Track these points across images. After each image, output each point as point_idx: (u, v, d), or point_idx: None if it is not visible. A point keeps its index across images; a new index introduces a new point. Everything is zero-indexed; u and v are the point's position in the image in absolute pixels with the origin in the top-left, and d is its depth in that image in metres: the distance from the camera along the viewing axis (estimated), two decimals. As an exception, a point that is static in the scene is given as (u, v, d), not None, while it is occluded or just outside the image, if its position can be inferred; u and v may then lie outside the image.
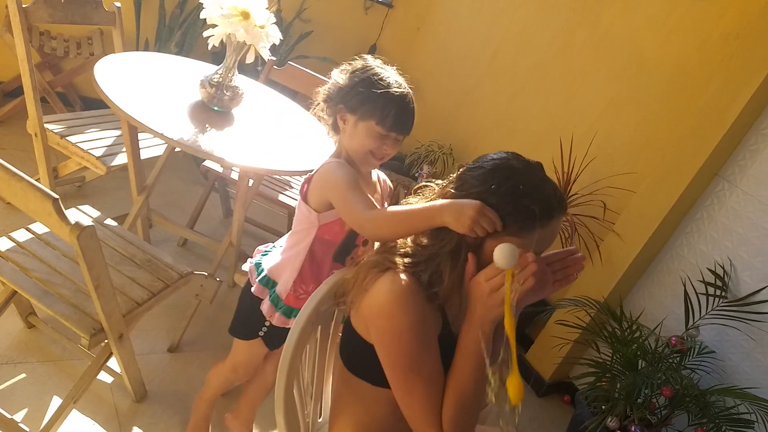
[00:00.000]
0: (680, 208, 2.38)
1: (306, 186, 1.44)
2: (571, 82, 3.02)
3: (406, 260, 1.11)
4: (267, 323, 1.53)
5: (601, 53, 2.88)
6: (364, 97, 1.37)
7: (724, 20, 2.38)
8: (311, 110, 1.53)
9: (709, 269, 2.28)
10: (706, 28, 2.44)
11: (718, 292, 2.21)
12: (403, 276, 1.08)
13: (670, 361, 2.17)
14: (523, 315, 2.87)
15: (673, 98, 2.54)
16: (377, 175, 1.59)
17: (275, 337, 1.56)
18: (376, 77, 1.38)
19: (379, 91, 1.35)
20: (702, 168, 2.28)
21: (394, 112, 1.35)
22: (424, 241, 1.13)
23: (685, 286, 2.28)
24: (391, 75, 1.40)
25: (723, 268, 2.26)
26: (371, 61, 1.44)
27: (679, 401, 2.05)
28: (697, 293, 2.25)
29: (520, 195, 1.05)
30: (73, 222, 1.19)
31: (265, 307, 1.51)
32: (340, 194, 1.32)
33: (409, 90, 1.42)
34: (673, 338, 2.20)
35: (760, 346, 2.16)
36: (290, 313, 1.50)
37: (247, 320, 1.58)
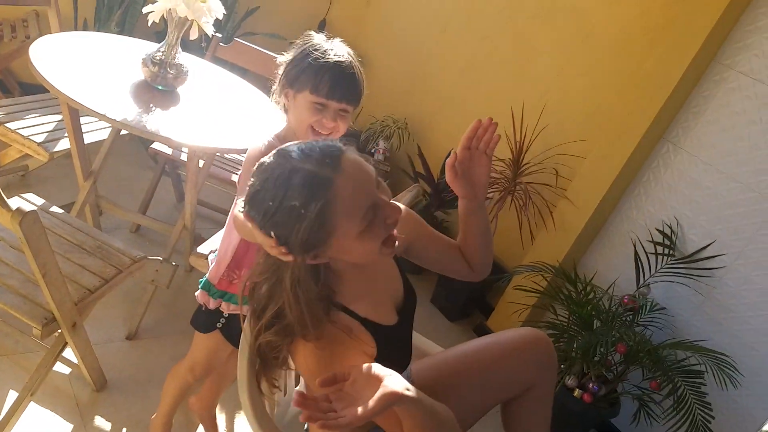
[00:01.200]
0: (628, 171, 2.45)
1: None
2: (521, 53, 3.04)
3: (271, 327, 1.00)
4: (225, 315, 1.50)
5: (549, 23, 2.91)
6: (300, 69, 1.34)
7: (665, -15, 2.43)
8: (271, 97, 1.49)
9: (657, 229, 2.36)
10: (649, -7, 2.49)
11: (666, 251, 2.29)
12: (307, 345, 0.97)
13: (624, 319, 2.25)
14: (483, 282, 2.92)
15: (619, 65, 2.59)
16: None
17: (234, 330, 1.50)
18: (312, 48, 1.35)
19: (312, 60, 1.32)
20: (648, 131, 2.34)
21: (327, 77, 1.31)
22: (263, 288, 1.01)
23: (635, 246, 2.36)
24: (330, 45, 1.36)
25: (670, 227, 2.34)
26: (315, 36, 1.40)
27: (633, 357, 2.13)
28: (646, 253, 2.33)
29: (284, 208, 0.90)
30: (14, 208, 1.15)
31: (199, 294, 1.49)
32: (239, 177, 1.33)
33: (351, 58, 1.37)
34: (626, 297, 2.28)
35: (708, 300, 2.25)
36: (230, 298, 1.48)
37: (206, 313, 1.53)
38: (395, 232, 1.00)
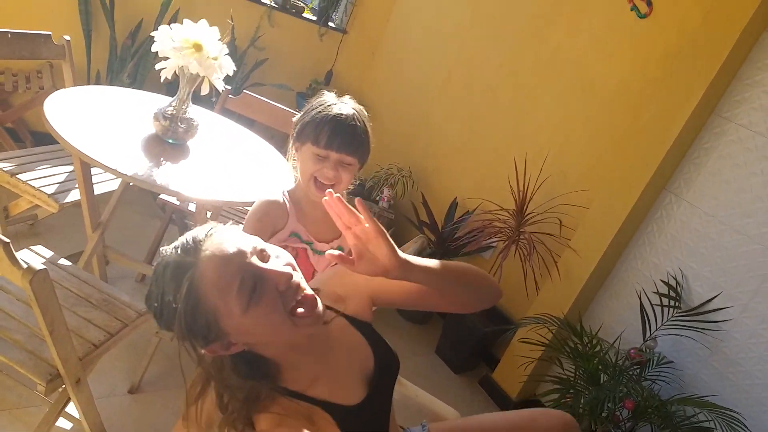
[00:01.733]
0: (632, 221, 2.46)
1: None
2: (522, 103, 3.10)
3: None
4: None
5: (549, 74, 2.97)
6: (305, 123, 1.43)
7: (663, 39, 2.49)
8: (287, 158, 1.55)
9: (662, 280, 2.35)
10: (647, 47, 2.55)
11: (671, 303, 2.29)
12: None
13: (631, 373, 2.23)
14: (488, 335, 2.90)
15: (619, 116, 2.63)
16: None
17: None
18: (318, 104, 1.43)
19: (315, 114, 1.41)
20: (650, 182, 2.36)
21: (327, 129, 1.38)
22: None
23: (640, 298, 2.35)
24: (335, 101, 1.44)
25: (675, 279, 2.33)
26: (326, 94, 1.48)
27: (641, 413, 2.10)
28: (652, 305, 2.32)
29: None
30: (25, 266, 1.16)
31: None
32: (243, 227, 1.38)
33: (355, 113, 1.43)
34: (632, 350, 2.26)
35: (715, 354, 2.23)
36: None
37: None
38: (307, 306, 0.91)
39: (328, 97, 1.46)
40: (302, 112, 1.47)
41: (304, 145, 1.43)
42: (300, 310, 0.90)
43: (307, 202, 1.51)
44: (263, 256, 0.91)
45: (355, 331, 1.12)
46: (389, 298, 1.17)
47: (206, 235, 0.89)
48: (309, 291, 0.93)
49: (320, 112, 1.41)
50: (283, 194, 1.53)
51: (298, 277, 0.93)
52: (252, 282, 0.86)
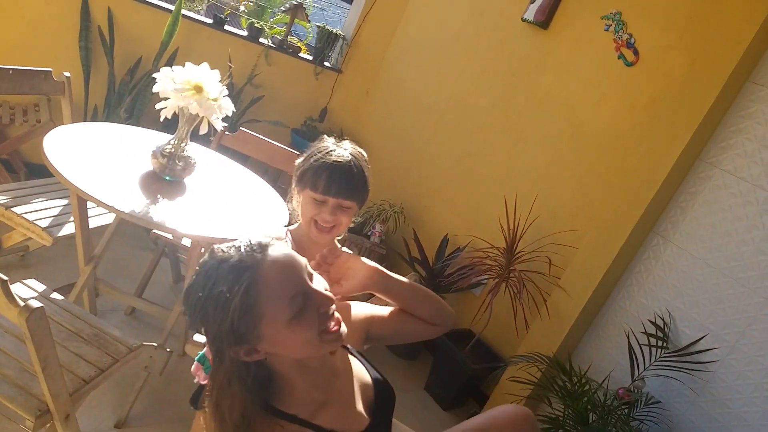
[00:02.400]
0: (620, 262, 2.50)
1: None
2: (512, 144, 3.16)
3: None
4: None
5: (539, 117, 3.05)
6: (304, 169, 1.48)
7: (650, 86, 2.57)
8: (288, 200, 1.59)
9: (650, 321, 2.38)
10: (635, 92, 2.63)
11: (659, 343, 2.31)
12: None
13: (619, 413, 2.23)
14: (478, 372, 2.90)
15: (608, 159, 2.70)
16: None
17: None
18: (317, 150, 1.48)
19: (314, 160, 1.45)
20: (638, 224, 2.41)
21: (325, 176, 1.43)
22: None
23: (628, 337, 2.37)
24: (334, 147, 1.49)
25: (663, 319, 2.36)
26: (326, 140, 1.52)
27: (629, 453, 2.10)
28: (640, 344, 2.34)
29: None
30: (21, 304, 1.18)
31: (194, 367, 1.51)
32: None
33: (353, 158, 1.48)
34: (621, 390, 2.27)
35: (703, 394, 2.25)
36: None
37: (201, 388, 1.55)
38: (336, 323, 0.98)
39: (328, 143, 1.51)
40: (303, 158, 1.52)
41: (303, 190, 1.48)
42: (331, 324, 0.96)
43: (309, 242, 1.54)
44: (311, 277, 0.97)
45: (356, 361, 1.19)
46: (380, 331, 1.30)
47: (270, 243, 0.94)
48: (338, 315, 1.00)
49: (318, 159, 1.45)
50: (286, 232, 1.57)
51: (333, 306, 1.00)
52: (303, 298, 0.92)
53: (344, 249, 1.61)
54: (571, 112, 2.90)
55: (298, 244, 1.56)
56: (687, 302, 2.33)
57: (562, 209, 2.84)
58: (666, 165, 2.35)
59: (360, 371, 1.19)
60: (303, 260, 0.97)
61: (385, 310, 1.36)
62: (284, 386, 1.00)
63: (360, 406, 1.11)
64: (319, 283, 0.98)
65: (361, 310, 1.32)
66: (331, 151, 1.47)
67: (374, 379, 1.19)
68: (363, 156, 1.53)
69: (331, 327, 0.97)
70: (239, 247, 0.92)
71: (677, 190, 2.42)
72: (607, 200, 2.62)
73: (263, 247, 0.92)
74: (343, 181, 1.45)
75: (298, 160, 1.52)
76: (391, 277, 1.30)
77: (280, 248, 0.94)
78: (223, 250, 0.93)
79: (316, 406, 1.02)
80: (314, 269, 1.03)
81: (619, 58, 2.71)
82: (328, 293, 0.98)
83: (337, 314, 1.00)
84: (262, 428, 0.96)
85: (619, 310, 2.55)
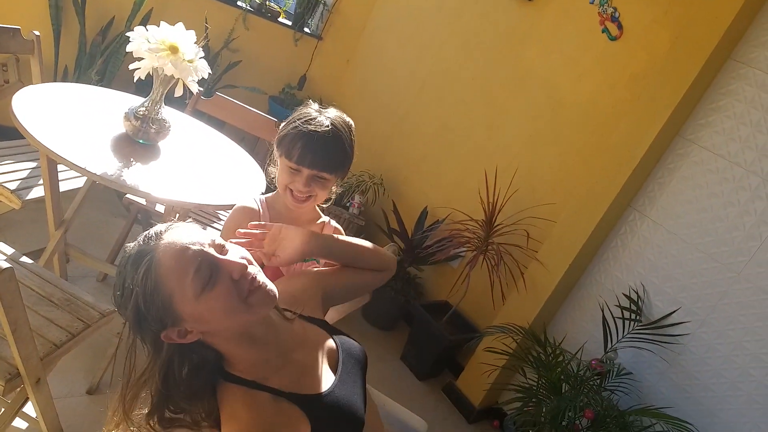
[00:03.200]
0: (597, 236, 2.52)
1: None
2: (493, 117, 3.15)
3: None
4: None
5: (521, 91, 3.03)
6: (282, 135, 1.42)
7: (632, 62, 2.57)
8: (268, 166, 1.54)
9: (624, 294, 2.41)
10: (616, 69, 2.63)
11: (633, 316, 2.35)
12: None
13: (591, 383, 2.28)
14: (453, 342, 2.93)
15: (588, 134, 2.70)
16: (326, 224, 1.59)
17: None
18: (298, 117, 1.41)
19: (292, 128, 1.40)
20: (615, 199, 2.43)
21: (300, 145, 1.37)
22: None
23: (603, 311, 2.41)
24: (316, 114, 1.41)
25: (637, 293, 2.40)
26: (310, 105, 1.45)
27: (600, 422, 2.14)
28: (614, 317, 2.38)
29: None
30: (-12, 264, 1.13)
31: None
32: (222, 232, 1.38)
33: (335, 128, 1.40)
34: (594, 361, 2.31)
35: (673, 366, 2.30)
36: None
37: None
38: (256, 283, 0.96)
39: (311, 109, 1.43)
40: (284, 123, 1.45)
41: (280, 157, 1.43)
42: (252, 285, 0.95)
43: (286, 209, 1.50)
44: (222, 250, 0.96)
45: (315, 327, 1.18)
46: (334, 289, 1.32)
47: (167, 229, 0.95)
48: (263, 280, 0.97)
49: (297, 126, 1.39)
50: (259, 200, 1.52)
51: (254, 269, 0.97)
52: (208, 270, 0.91)
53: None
54: (552, 87, 2.88)
55: (273, 212, 1.52)
56: (661, 276, 2.37)
57: (542, 183, 2.85)
58: (645, 141, 2.36)
59: (319, 335, 1.17)
60: (205, 234, 0.96)
61: (332, 270, 1.36)
62: (232, 359, 1.00)
63: (323, 369, 1.09)
64: (234, 253, 0.97)
65: (309, 275, 1.32)
66: (311, 119, 1.40)
67: (339, 342, 1.18)
68: (347, 125, 1.46)
69: (255, 286, 0.95)
70: (138, 240, 0.95)
71: (655, 166, 2.44)
72: (586, 175, 2.63)
73: (158, 234, 0.94)
74: (319, 152, 1.38)
75: (282, 125, 1.47)
76: (327, 238, 1.34)
77: (177, 231, 0.95)
78: (126, 249, 0.96)
79: (270, 371, 1.00)
80: (244, 246, 1.04)
81: (603, 32, 2.69)
82: (240, 260, 0.96)
83: (261, 277, 0.97)
84: (225, 402, 0.96)
85: (594, 284, 2.58)
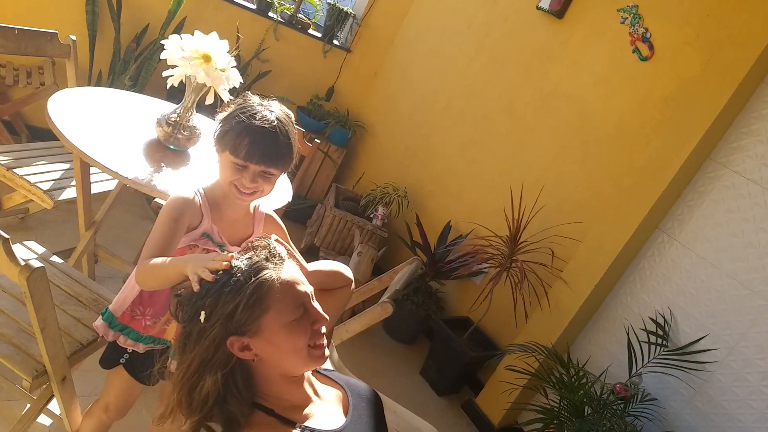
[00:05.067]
0: (624, 258, 2.48)
1: None
2: (520, 135, 3.13)
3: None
4: (129, 351, 1.50)
5: (548, 109, 3.01)
6: (225, 129, 1.36)
7: (663, 83, 2.54)
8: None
9: (650, 318, 2.37)
10: (646, 89, 2.60)
11: (659, 341, 2.30)
12: None
13: (615, 408, 2.23)
14: (474, 359, 2.89)
15: (616, 155, 2.67)
16: (256, 209, 1.55)
17: (137, 365, 1.51)
18: (240, 110, 1.35)
19: (236, 122, 1.34)
20: (643, 221, 2.39)
21: (247, 141, 1.32)
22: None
23: (628, 334, 2.36)
24: (260, 108, 1.36)
25: (663, 317, 2.35)
26: (250, 98, 1.40)
27: (623, 448, 2.10)
28: (639, 341, 2.34)
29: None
30: (22, 263, 1.15)
31: (99, 324, 1.49)
32: (154, 226, 1.33)
33: (280, 122, 1.36)
34: (618, 385, 2.27)
35: (699, 394, 2.24)
36: (128, 333, 1.48)
37: (111, 349, 1.53)
38: (324, 344, 1.06)
39: (253, 102, 1.38)
40: (224, 116, 1.39)
41: (224, 152, 1.37)
42: (318, 348, 1.05)
43: (225, 201, 1.45)
44: (313, 296, 1.07)
45: (325, 378, 1.23)
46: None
47: (286, 257, 1.06)
48: (326, 343, 1.08)
49: (241, 121, 1.33)
50: (198, 193, 1.45)
51: (324, 330, 1.08)
52: (303, 310, 1.03)
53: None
54: (581, 105, 2.86)
55: (213, 206, 1.46)
56: (689, 301, 2.32)
57: (568, 201, 2.82)
58: (675, 163, 2.32)
59: (329, 389, 1.20)
60: (309, 285, 1.07)
61: (324, 298, 1.32)
62: (266, 390, 1.05)
63: (337, 413, 1.14)
64: (318, 305, 1.07)
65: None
66: (255, 113, 1.34)
67: (346, 387, 1.22)
68: (290, 118, 1.41)
69: (322, 343, 1.05)
70: (266, 255, 1.03)
71: (685, 189, 2.40)
72: (613, 194, 2.60)
73: (282, 259, 1.04)
74: (267, 148, 1.34)
75: (219, 116, 1.40)
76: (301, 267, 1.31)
77: (294, 266, 1.06)
78: (251, 257, 1.03)
79: (294, 412, 1.06)
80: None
81: (633, 52, 2.67)
82: (325, 315, 1.06)
83: (325, 340, 1.07)
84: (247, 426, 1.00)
85: (620, 306, 2.54)
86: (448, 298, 3.32)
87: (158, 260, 1.20)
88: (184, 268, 1.06)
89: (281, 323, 0.99)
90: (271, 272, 1.00)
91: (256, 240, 1.08)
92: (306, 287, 1.05)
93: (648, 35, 2.64)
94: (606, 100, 2.76)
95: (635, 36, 2.69)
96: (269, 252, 1.04)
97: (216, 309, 0.97)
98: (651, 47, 2.62)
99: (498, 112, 3.28)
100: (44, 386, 1.54)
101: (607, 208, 2.58)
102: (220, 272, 1.00)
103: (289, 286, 1.01)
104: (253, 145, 1.33)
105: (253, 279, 0.97)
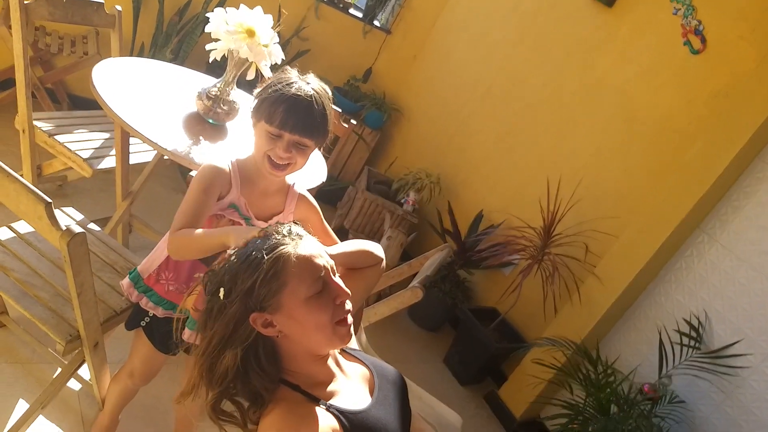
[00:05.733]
0: (661, 256, 2.42)
1: None
2: (561, 126, 3.07)
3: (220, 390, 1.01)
4: (150, 314, 1.51)
5: (592, 100, 2.94)
6: (262, 99, 1.36)
7: (714, 79, 2.46)
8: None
9: (684, 319, 2.31)
10: (696, 84, 2.52)
11: (692, 343, 2.25)
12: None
13: (642, 408, 2.19)
14: (500, 350, 2.87)
15: (660, 150, 2.60)
16: (292, 191, 1.54)
17: (156, 331, 1.52)
18: (278, 81, 1.36)
19: (273, 91, 1.34)
20: (684, 220, 2.33)
21: (282, 109, 1.32)
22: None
23: (660, 334, 2.31)
24: (297, 79, 1.36)
25: (698, 319, 2.30)
26: (289, 71, 1.39)
27: (648, 449, 2.07)
28: (671, 342, 2.29)
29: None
30: (63, 228, 1.17)
31: (125, 283, 1.51)
32: (186, 195, 1.34)
33: (317, 93, 1.36)
34: (646, 385, 2.23)
35: (730, 399, 2.19)
36: (151, 296, 1.49)
37: (135, 311, 1.55)
38: (350, 323, 1.05)
39: (291, 74, 1.38)
40: (262, 87, 1.39)
41: (258, 122, 1.37)
42: (342, 324, 1.04)
43: (258, 175, 1.44)
44: (335, 273, 1.06)
45: (352, 357, 1.22)
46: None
47: (305, 235, 1.05)
48: (351, 321, 1.07)
49: (278, 89, 1.33)
50: (231, 163, 1.45)
51: (349, 306, 1.06)
52: (322, 284, 1.02)
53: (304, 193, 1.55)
54: (626, 98, 2.79)
55: (244, 177, 1.45)
56: (726, 304, 2.26)
57: (606, 196, 2.76)
58: (722, 161, 2.25)
59: (356, 367, 1.20)
60: (330, 259, 1.06)
61: (355, 277, 1.32)
62: (288, 363, 1.05)
63: (363, 392, 1.14)
64: (341, 281, 1.06)
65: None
66: (292, 83, 1.34)
67: (373, 368, 1.21)
68: (327, 93, 1.40)
69: (346, 319, 1.04)
70: (281, 230, 1.03)
71: (731, 188, 2.32)
72: (654, 191, 2.53)
73: (299, 235, 1.04)
74: (302, 117, 1.33)
75: (257, 89, 1.40)
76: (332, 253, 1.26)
77: (311, 240, 1.05)
78: (268, 232, 1.04)
79: (319, 389, 1.05)
80: None
81: (684, 44, 2.58)
82: (347, 290, 1.05)
83: (350, 318, 1.06)
84: (272, 403, 1.00)
85: (653, 305, 2.49)
86: (475, 288, 3.29)
87: (195, 231, 1.21)
88: (226, 239, 1.06)
89: (301, 298, 0.99)
90: (288, 247, 1.00)
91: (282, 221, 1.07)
92: (325, 260, 1.04)
93: (701, 28, 2.54)
94: (653, 94, 2.68)
95: (687, 28, 2.59)
96: (289, 229, 1.04)
97: (235, 285, 0.98)
98: (703, 40, 2.53)
99: (540, 102, 3.21)
100: (76, 351, 1.57)
101: (647, 204, 2.51)
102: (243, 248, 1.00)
103: (306, 260, 1.00)
104: (288, 113, 1.32)
105: (270, 254, 0.98)
